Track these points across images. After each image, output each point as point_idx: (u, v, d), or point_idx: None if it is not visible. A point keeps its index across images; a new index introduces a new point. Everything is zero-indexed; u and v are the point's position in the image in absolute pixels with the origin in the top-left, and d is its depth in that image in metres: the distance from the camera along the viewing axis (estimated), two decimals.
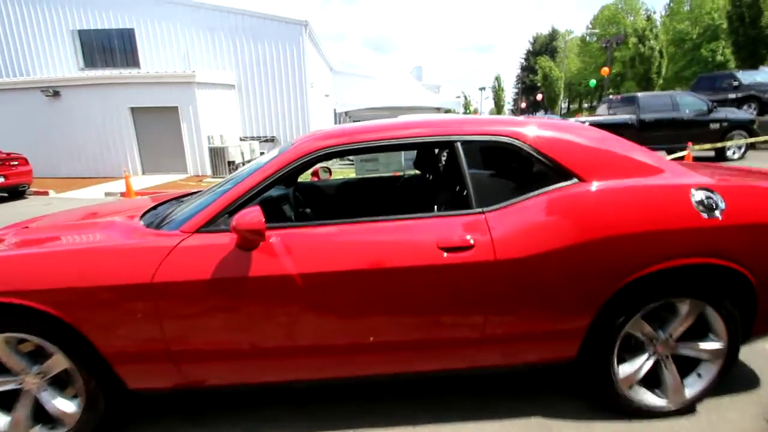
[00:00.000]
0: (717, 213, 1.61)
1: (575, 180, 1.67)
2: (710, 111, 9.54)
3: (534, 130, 1.74)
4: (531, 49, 51.90)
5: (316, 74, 16.31)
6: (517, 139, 1.71)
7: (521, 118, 1.93)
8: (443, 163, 2.70)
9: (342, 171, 9.73)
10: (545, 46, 49.16)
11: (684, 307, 1.71)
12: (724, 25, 26.44)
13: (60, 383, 1.69)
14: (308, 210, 2.34)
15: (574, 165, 1.67)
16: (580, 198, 1.62)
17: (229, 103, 13.96)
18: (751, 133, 9.45)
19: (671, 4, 34.71)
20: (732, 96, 12.12)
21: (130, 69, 13.70)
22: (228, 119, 13.77)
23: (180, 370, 1.62)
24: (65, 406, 1.67)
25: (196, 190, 2.49)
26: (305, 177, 3.74)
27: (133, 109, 12.09)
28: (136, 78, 12.04)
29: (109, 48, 14.57)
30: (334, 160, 12.66)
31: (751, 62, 17.76)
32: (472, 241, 1.57)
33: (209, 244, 1.56)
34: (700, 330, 1.78)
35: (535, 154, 1.70)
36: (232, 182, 1.74)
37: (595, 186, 1.65)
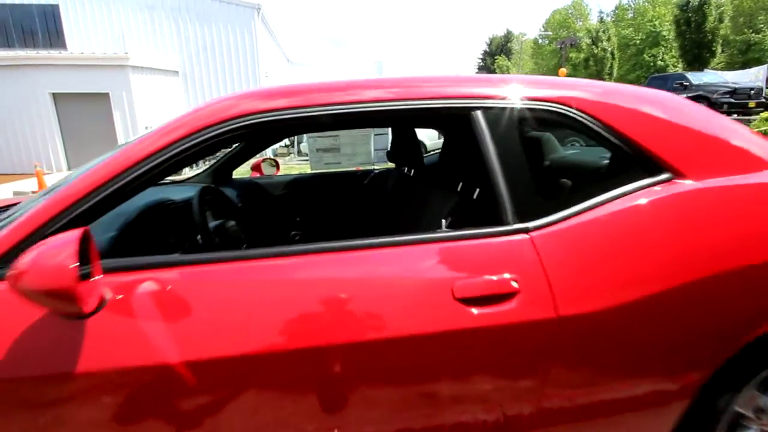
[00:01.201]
0: None
1: (668, 176, 1.05)
2: None
3: (604, 96, 1.10)
4: (487, 50, 52.66)
5: (272, 64, 15.21)
6: (578, 109, 1.06)
7: (574, 79, 1.28)
8: (428, 152, 2.01)
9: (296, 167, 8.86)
10: (501, 48, 49.98)
11: None
12: (665, 33, 27.91)
13: None
14: (233, 223, 1.53)
15: (670, 153, 1.04)
16: (689, 205, 1.00)
17: (173, 91, 12.59)
18: None
19: (616, 11, 36.36)
20: (683, 96, 12.44)
21: (54, 51, 11.94)
22: (171, 109, 12.38)
23: None
24: None
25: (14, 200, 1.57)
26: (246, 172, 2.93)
27: (55, 95, 10.51)
28: (57, 59, 10.45)
29: (29, 27, 12.71)
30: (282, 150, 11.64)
31: (696, 65, 18.65)
32: (515, 285, 0.91)
33: None
34: None
35: (607, 134, 1.05)
36: (74, 177, 0.95)
37: (702, 186, 1.04)
